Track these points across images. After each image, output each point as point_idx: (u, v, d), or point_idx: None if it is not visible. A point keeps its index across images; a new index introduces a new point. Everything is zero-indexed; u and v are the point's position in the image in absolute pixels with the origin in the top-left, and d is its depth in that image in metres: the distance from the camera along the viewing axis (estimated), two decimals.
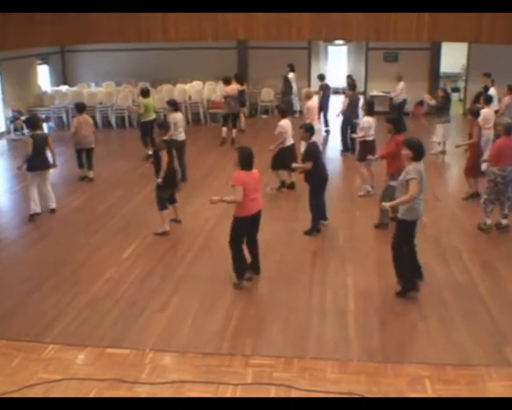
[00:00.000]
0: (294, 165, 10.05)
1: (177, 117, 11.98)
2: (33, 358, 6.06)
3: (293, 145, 11.39)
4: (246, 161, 7.29)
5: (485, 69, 16.04)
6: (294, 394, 5.40)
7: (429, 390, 5.40)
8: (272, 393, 5.41)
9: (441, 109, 14.05)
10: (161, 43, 16.99)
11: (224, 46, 19.53)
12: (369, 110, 11.39)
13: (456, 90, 22.55)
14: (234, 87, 15.98)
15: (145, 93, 14.16)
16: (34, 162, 10.23)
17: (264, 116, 20.14)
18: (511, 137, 9.06)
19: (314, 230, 9.33)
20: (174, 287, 7.66)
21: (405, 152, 6.90)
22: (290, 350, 6.17)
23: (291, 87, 18.44)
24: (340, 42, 25.52)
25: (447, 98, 14.31)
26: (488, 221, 9.25)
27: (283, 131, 11.23)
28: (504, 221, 9.32)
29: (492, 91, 14.06)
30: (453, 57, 21.20)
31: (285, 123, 11.34)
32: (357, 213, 10.40)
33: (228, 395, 5.38)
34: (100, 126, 18.99)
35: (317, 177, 9.26)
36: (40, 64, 20.40)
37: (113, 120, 19.15)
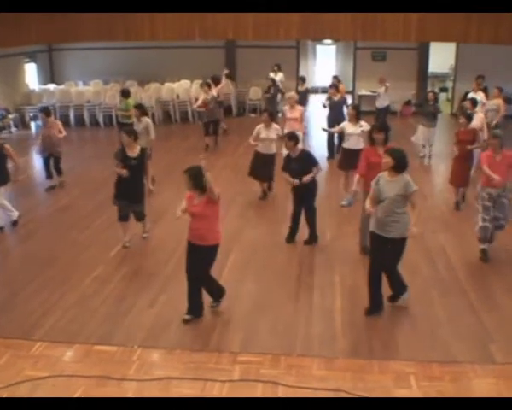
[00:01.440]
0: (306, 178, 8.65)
1: (149, 120, 11.45)
2: (21, 355, 6.06)
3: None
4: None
5: (473, 69, 16.00)
6: (281, 390, 5.43)
7: (414, 387, 5.45)
8: (259, 389, 5.44)
9: (433, 114, 13.73)
10: (149, 41, 16.96)
11: (212, 45, 19.57)
12: (359, 116, 10.79)
13: (444, 89, 22.72)
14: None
15: (126, 94, 13.68)
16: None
17: (252, 115, 20.13)
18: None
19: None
20: (162, 285, 7.69)
21: (386, 160, 6.50)
22: (277, 347, 6.20)
23: (278, 89, 17.31)
24: (329, 41, 25.58)
25: (436, 101, 14.23)
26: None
27: (281, 134, 10.56)
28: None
29: (480, 96, 13.80)
30: (441, 57, 21.37)
31: (278, 126, 10.98)
32: (344, 212, 10.44)
33: (215, 392, 5.41)
34: (88, 125, 19.03)
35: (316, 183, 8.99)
36: (27, 62, 20.32)
37: (100, 119, 19.09)
